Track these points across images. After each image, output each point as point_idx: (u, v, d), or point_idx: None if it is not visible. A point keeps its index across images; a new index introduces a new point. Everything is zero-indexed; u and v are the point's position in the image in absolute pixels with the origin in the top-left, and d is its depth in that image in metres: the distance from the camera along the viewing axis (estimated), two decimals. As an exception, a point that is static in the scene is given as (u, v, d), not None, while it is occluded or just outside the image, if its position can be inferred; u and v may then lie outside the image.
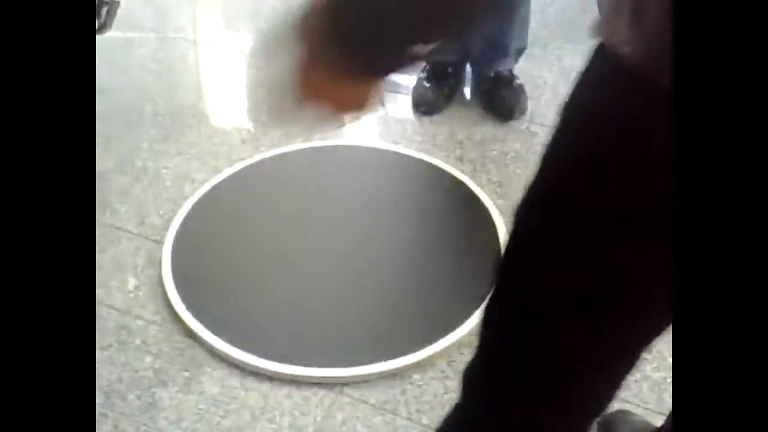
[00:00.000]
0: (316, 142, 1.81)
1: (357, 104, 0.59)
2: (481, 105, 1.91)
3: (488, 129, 1.86)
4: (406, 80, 2.04)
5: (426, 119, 1.90)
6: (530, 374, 0.70)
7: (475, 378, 0.79)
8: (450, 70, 1.91)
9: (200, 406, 1.25)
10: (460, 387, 0.81)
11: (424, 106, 1.90)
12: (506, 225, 1.58)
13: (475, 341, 1.34)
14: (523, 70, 1.98)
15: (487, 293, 1.49)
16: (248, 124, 1.89)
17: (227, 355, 1.31)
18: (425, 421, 1.23)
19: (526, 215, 0.67)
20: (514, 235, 0.69)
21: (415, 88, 1.92)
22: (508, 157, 1.78)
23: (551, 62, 2.03)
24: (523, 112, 1.88)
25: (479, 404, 0.78)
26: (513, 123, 1.88)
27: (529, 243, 0.67)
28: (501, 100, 1.88)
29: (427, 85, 1.91)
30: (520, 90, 1.90)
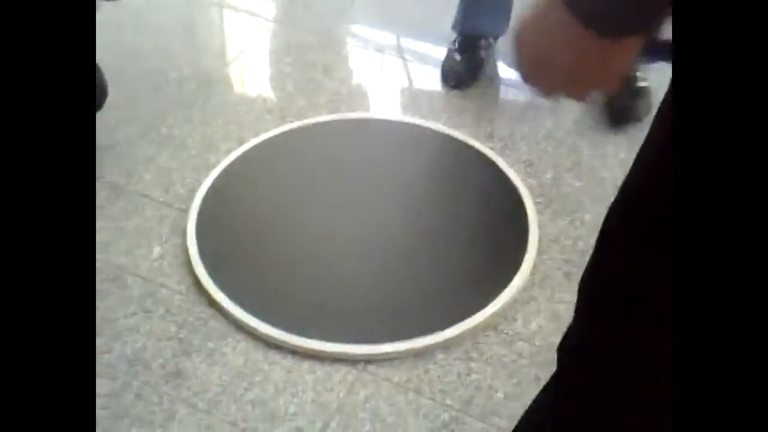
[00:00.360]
0: (343, 114, 1.78)
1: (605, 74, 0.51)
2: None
3: (518, 106, 1.81)
4: (435, 52, 2.00)
5: (455, 94, 1.86)
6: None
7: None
8: (482, 42, 1.86)
9: (224, 378, 1.25)
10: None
11: (453, 79, 1.86)
12: (535, 205, 1.55)
13: (501, 322, 1.33)
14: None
15: (515, 274, 1.47)
16: (274, 93, 1.86)
17: (251, 328, 1.31)
18: (448, 401, 1.22)
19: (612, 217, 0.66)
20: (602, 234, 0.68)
21: (446, 60, 1.88)
22: (539, 135, 1.74)
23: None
24: (639, 119, 1.69)
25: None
26: (543, 100, 1.84)
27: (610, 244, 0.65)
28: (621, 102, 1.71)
29: (458, 57, 1.86)
30: (644, 93, 1.70)
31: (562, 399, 0.77)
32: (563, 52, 0.49)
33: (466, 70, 1.86)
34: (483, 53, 1.88)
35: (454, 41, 1.87)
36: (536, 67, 0.52)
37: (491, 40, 1.89)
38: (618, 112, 1.73)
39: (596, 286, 0.70)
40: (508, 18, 1.85)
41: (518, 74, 0.55)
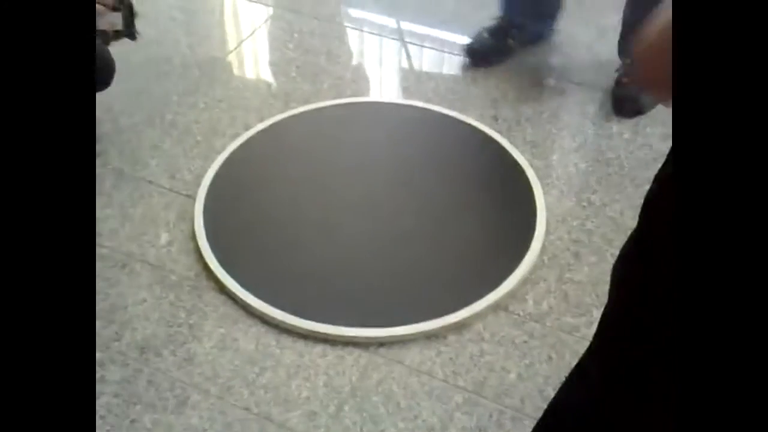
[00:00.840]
0: (348, 99, 1.77)
1: None
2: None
3: (523, 87, 1.80)
4: (437, 35, 1.98)
5: (462, 76, 1.85)
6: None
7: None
8: (513, 31, 1.85)
9: (235, 363, 1.25)
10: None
11: (479, 57, 1.85)
12: (542, 186, 1.54)
13: (511, 303, 1.33)
14: (558, 27, 1.91)
15: (524, 254, 1.47)
16: (278, 79, 1.85)
17: (262, 313, 1.30)
18: (461, 383, 1.22)
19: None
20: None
21: (476, 38, 1.86)
22: (544, 116, 1.73)
23: (587, 20, 1.96)
24: (642, 112, 1.71)
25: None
26: (548, 81, 1.83)
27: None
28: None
29: (485, 36, 1.86)
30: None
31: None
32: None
33: (492, 52, 1.85)
34: (511, 42, 1.85)
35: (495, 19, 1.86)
36: (659, 82, 0.52)
37: (525, 34, 1.85)
38: (622, 102, 1.72)
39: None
40: (550, 21, 1.86)
41: (646, 90, 0.55)
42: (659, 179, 0.62)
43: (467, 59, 1.86)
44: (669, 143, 1.84)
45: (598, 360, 0.77)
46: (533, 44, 1.89)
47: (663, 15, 0.51)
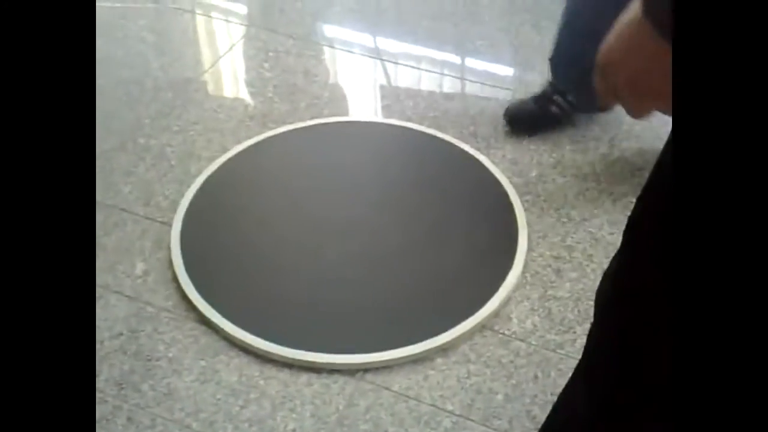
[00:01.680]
0: (327, 119, 1.75)
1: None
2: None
3: (500, 104, 1.80)
4: (413, 51, 1.98)
5: (438, 94, 1.84)
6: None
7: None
8: (557, 98, 1.71)
9: (218, 396, 1.21)
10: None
11: (511, 122, 1.72)
12: (522, 203, 1.54)
13: (497, 322, 1.32)
14: (533, 42, 1.92)
15: (507, 273, 1.46)
16: (254, 99, 1.83)
17: (244, 343, 1.27)
18: (449, 406, 1.21)
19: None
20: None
21: (518, 100, 1.74)
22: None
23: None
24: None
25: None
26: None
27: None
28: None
29: (529, 102, 1.72)
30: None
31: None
32: (652, 67, 0.48)
33: (528, 118, 1.71)
34: (555, 110, 1.70)
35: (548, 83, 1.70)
36: (628, 87, 0.50)
37: (573, 104, 1.69)
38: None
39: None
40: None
41: (604, 98, 0.52)
42: (643, 200, 0.61)
43: (507, 124, 1.72)
44: (644, 158, 1.84)
45: (584, 382, 0.76)
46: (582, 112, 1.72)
47: (627, 22, 0.49)
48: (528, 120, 1.72)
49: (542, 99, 1.71)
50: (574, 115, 1.73)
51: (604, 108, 0.53)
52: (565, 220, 1.53)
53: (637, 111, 0.53)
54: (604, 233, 1.48)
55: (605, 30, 0.51)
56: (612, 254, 0.68)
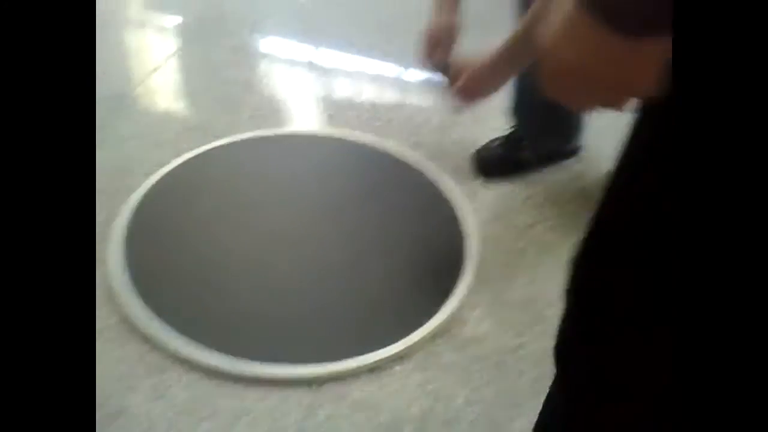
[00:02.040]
0: (268, 130, 1.72)
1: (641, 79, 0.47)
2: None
3: (446, 114, 1.83)
4: (353, 62, 1.99)
5: (379, 104, 1.85)
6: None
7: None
8: (525, 143, 1.66)
9: (169, 415, 1.15)
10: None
11: (479, 168, 1.67)
12: (468, 212, 1.56)
13: (451, 328, 1.32)
14: (477, 50, 1.96)
15: (459, 278, 1.46)
16: (193, 112, 1.78)
17: (194, 359, 1.22)
18: (409, 414, 1.19)
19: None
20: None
21: (484, 146, 1.70)
22: (467, 141, 1.76)
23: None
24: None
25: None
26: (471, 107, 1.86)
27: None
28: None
29: (496, 147, 1.69)
30: None
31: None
32: (593, 58, 0.46)
33: (498, 163, 1.67)
34: (526, 154, 1.66)
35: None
36: (568, 79, 0.49)
37: (539, 149, 1.65)
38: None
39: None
40: (570, 136, 1.63)
41: (547, 91, 0.51)
42: (608, 208, 0.63)
43: (477, 171, 1.67)
44: (582, 164, 1.87)
45: (560, 371, 0.76)
46: (553, 161, 1.68)
47: (561, 18, 0.47)
48: (500, 166, 1.67)
49: (510, 143, 1.68)
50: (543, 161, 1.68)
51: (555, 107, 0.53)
52: (511, 226, 1.55)
53: (577, 102, 0.52)
54: (551, 237, 1.51)
55: None
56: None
